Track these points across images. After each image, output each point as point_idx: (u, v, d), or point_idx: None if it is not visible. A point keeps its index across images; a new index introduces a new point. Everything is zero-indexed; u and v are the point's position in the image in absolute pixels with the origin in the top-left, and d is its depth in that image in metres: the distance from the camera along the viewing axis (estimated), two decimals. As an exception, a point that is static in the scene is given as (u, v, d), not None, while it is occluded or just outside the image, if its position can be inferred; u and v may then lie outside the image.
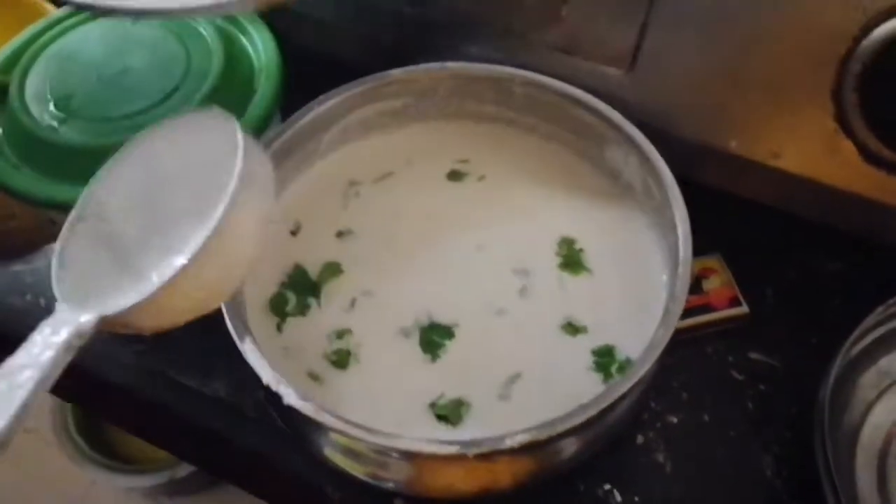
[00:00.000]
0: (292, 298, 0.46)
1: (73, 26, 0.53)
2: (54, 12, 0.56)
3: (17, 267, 0.56)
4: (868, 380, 0.46)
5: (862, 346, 0.45)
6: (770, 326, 0.49)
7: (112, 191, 0.41)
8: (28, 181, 0.47)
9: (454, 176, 0.51)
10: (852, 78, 0.41)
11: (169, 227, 0.38)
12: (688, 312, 0.48)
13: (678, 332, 0.39)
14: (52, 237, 0.54)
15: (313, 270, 0.47)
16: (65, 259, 0.39)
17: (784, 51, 0.43)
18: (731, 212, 0.50)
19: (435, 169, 0.51)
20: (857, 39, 0.41)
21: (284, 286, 0.47)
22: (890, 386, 0.46)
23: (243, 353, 0.39)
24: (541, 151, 0.51)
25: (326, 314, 0.45)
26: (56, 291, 0.38)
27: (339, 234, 0.48)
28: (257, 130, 0.48)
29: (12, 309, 0.53)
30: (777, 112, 0.44)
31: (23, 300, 0.54)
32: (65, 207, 0.47)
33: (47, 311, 0.51)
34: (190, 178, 0.39)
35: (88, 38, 0.53)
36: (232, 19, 0.54)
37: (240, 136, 0.37)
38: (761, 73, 0.44)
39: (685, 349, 0.49)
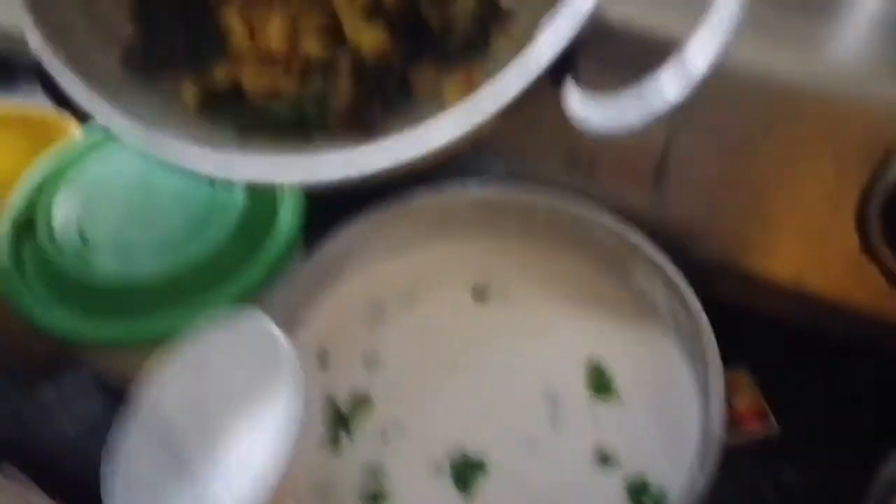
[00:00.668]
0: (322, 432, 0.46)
1: (98, 154, 0.54)
2: (76, 134, 0.57)
3: (44, 395, 0.56)
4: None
5: (898, 467, 0.45)
6: (802, 443, 0.49)
7: (163, 392, 0.42)
8: (57, 317, 0.48)
9: (479, 296, 0.51)
10: (876, 205, 0.42)
11: (222, 433, 0.39)
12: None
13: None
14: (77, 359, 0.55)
15: (343, 402, 0.47)
16: (118, 460, 0.40)
17: (807, 177, 0.43)
18: (757, 324, 0.50)
19: (460, 289, 0.51)
20: (880, 169, 0.41)
21: None
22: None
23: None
24: (566, 270, 0.51)
25: (358, 449, 0.45)
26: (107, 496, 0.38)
27: (367, 363, 0.49)
28: (282, 258, 0.49)
29: (36, 435, 0.53)
30: (800, 235, 0.45)
31: (50, 429, 0.54)
32: (92, 342, 0.48)
33: (70, 437, 0.52)
34: (239, 384, 0.39)
35: (113, 168, 0.53)
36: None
37: (293, 369, 0.38)
38: (784, 198, 0.44)
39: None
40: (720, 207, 0.47)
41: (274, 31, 0.38)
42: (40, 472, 0.52)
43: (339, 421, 0.46)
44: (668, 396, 0.45)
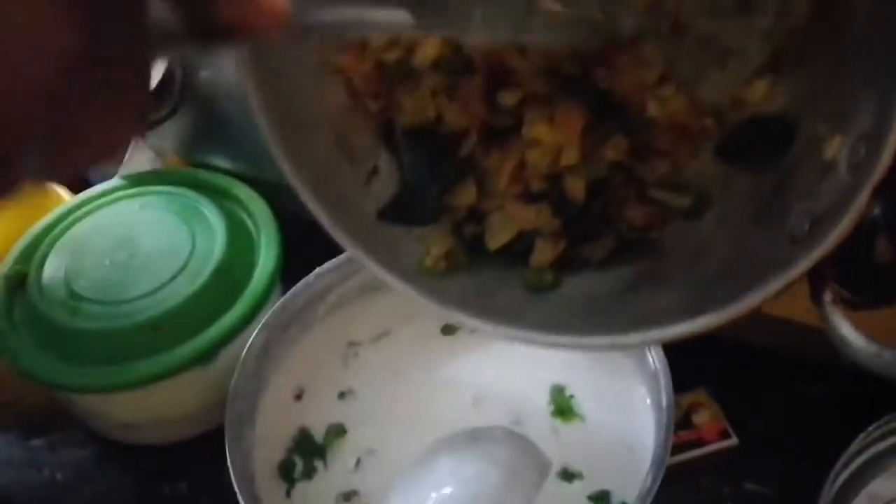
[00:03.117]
0: (299, 463, 0.48)
1: (85, 215, 0.58)
2: (69, 200, 0.61)
3: (35, 442, 0.58)
4: (859, 505, 0.47)
5: (849, 473, 0.47)
6: (761, 456, 0.51)
7: None
8: (45, 365, 0.50)
9: (448, 330, 0.54)
10: (806, 225, 0.45)
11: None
12: (679, 448, 0.50)
13: (672, 468, 0.41)
14: (67, 413, 0.57)
15: (318, 433, 0.49)
16: None
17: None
18: (715, 345, 0.52)
19: (430, 325, 0.54)
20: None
21: (291, 451, 0.49)
22: (882, 509, 0.48)
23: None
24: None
25: (333, 476, 0.47)
26: None
27: (342, 395, 0.51)
28: (258, 304, 0.52)
29: (30, 484, 0.55)
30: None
31: (40, 475, 0.55)
32: (79, 389, 0.51)
33: (62, 486, 0.54)
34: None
35: (99, 225, 0.57)
36: (230, 194, 0.58)
37: None
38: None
39: (680, 483, 0.50)
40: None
41: (535, 170, 0.37)
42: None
43: (315, 450, 0.48)
44: (627, 414, 0.48)
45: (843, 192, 0.30)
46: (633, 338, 0.32)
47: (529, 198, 0.38)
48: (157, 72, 0.56)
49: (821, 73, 0.33)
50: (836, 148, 0.31)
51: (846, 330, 0.32)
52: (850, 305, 0.46)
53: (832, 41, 0.33)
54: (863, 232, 0.43)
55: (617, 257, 0.38)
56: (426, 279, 0.38)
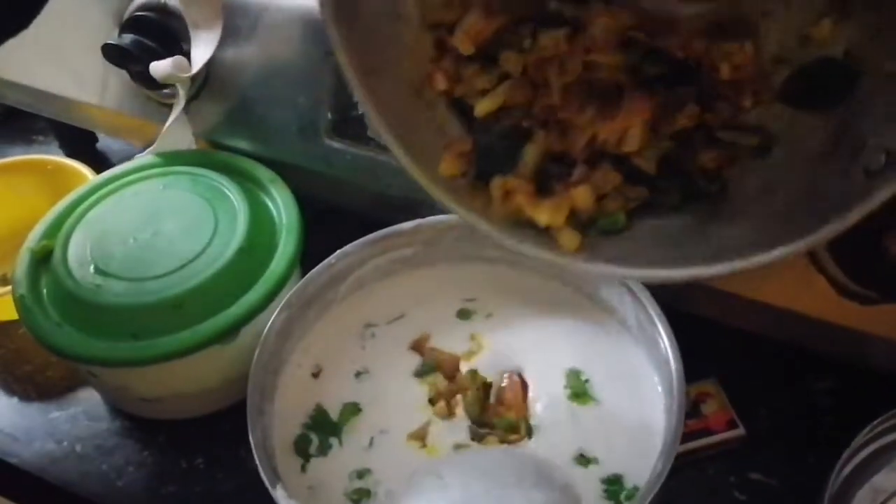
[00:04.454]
0: (314, 439, 0.49)
1: (110, 193, 0.59)
2: (93, 179, 0.62)
3: (54, 413, 0.59)
4: (863, 497, 0.48)
5: (854, 465, 0.48)
6: (767, 447, 0.52)
7: None
8: (69, 339, 0.51)
9: (463, 314, 0.55)
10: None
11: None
12: (688, 436, 0.51)
13: (680, 456, 0.42)
14: (88, 387, 0.58)
15: (334, 411, 0.50)
16: None
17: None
18: (724, 336, 0.53)
19: (445, 308, 0.55)
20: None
21: (307, 427, 0.50)
22: (885, 502, 0.49)
23: (275, 498, 0.42)
24: (543, 289, 0.55)
25: (347, 453, 0.49)
26: None
27: (357, 375, 0.52)
28: (279, 284, 0.53)
29: (49, 455, 0.56)
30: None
31: (59, 447, 0.56)
32: (102, 363, 0.52)
33: (81, 458, 0.55)
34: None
35: (124, 204, 0.58)
36: (254, 178, 0.60)
37: None
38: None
39: (688, 471, 0.51)
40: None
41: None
42: (45, 490, 0.55)
43: (330, 427, 0.49)
44: (640, 399, 0.49)
45: None
46: (717, 268, 0.33)
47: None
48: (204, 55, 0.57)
49: (889, 14, 0.34)
50: None
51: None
52: (863, 300, 0.47)
53: None
54: (873, 228, 0.44)
55: (689, 199, 0.39)
56: (509, 225, 0.39)
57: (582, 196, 0.38)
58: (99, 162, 0.76)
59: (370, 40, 0.38)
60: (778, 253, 0.32)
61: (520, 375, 0.51)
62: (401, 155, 0.37)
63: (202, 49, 0.56)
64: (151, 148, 0.62)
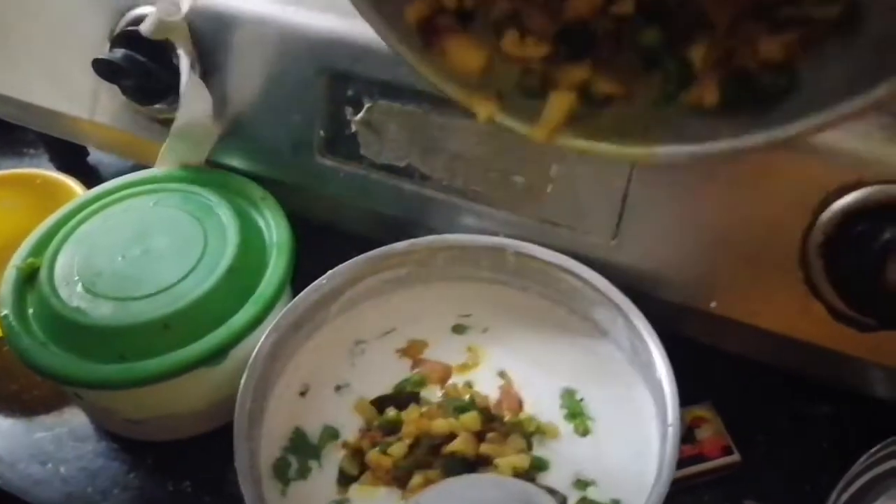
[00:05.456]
0: (294, 462, 0.48)
1: (99, 209, 0.58)
2: (82, 195, 0.61)
3: (39, 434, 0.58)
4: (859, 527, 0.48)
5: (851, 493, 0.47)
6: (763, 473, 0.51)
7: None
8: (54, 360, 0.50)
9: (458, 329, 0.54)
10: (816, 246, 0.45)
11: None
12: (683, 462, 0.50)
13: (675, 482, 0.42)
14: (74, 407, 0.57)
15: (314, 433, 0.49)
16: None
17: (755, 221, 0.47)
18: (720, 360, 0.53)
19: (439, 324, 0.55)
20: (818, 212, 0.45)
21: (286, 450, 0.49)
22: (881, 531, 0.48)
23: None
24: (537, 308, 0.54)
25: (327, 477, 0.48)
26: None
27: (338, 389, 0.51)
28: (268, 306, 0.52)
29: (33, 477, 0.55)
30: (752, 276, 0.48)
31: (43, 469, 0.55)
32: (87, 385, 0.51)
33: (66, 480, 0.54)
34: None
35: (114, 221, 0.57)
36: (245, 196, 0.59)
37: None
38: (736, 242, 0.48)
39: (683, 498, 0.50)
40: (677, 255, 0.50)
41: None
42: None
43: (310, 450, 0.48)
44: (635, 422, 0.48)
45: None
46: (789, 130, 0.29)
47: None
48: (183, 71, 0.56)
49: None
50: None
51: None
52: (861, 327, 0.46)
53: None
54: (872, 255, 0.43)
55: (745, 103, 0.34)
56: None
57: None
58: (90, 175, 0.76)
59: None
60: (879, 92, 0.28)
61: (515, 391, 0.50)
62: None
63: None
64: (174, 126, 0.59)
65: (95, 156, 0.78)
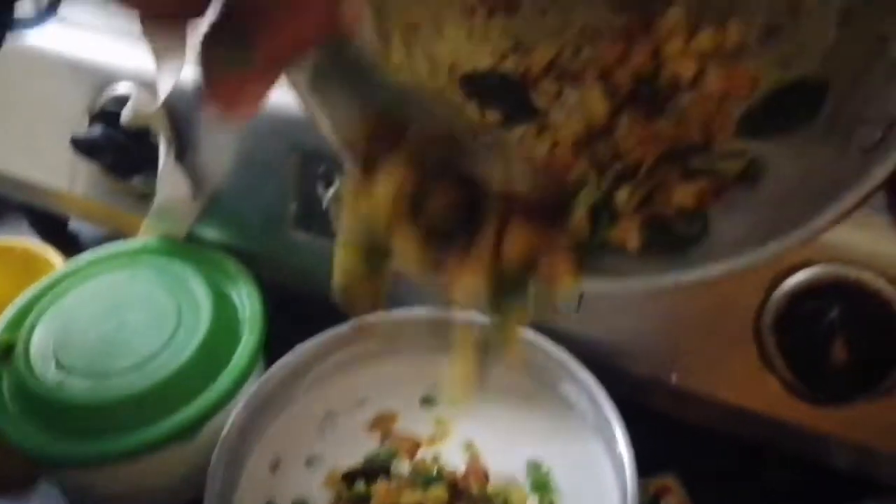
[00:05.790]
0: None
1: (75, 284, 0.59)
2: (59, 268, 0.62)
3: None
4: None
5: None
6: (726, 542, 0.52)
7: None
8: (28, 437, 0.51)
9: (427, 400, 0.55)
10: (769, 323, 0.47)
11: None
12: (648, 534, 0.51)
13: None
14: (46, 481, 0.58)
15: None
16: None
17: (712, 298, 0.49)
18: (684, 431, 0.54)
19: (409, 395, 0.56)
20: (770, 290, 0.47)
21: None
22: None
23: None
24: (505, 381, 0.55)
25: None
26: None
27: (309, 463, 0.52)
28: (240, 380, 0.53)
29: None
30: (710, 350, 0.50)
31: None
32: (63, 461, 0.51)
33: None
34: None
35: (88, 296, 0.58)
36: (219, 270, 0.60)
37: None
38: (694, 317, 0.50)
39: (649, 569, 0.51)
40: (637, 329, 0.52)
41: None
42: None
43: None
44: (598, 494, 0.49)
45: None
46: (698, 272, 0.31)
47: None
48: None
49: None
50: None
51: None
52: (810, 400, 0.48)
53: None
54: (820, 333, 0.45)
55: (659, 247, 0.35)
56: None
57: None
58: (70, 243, 0.77)
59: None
60: (772, 248, 0.30)
61: (482, 464, 0.51)
62: None
63: (167, 78, 0.55)
64: (153, 206, 0.61)
65: (76, 223, 0.80)
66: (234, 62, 0.23)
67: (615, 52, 0.37)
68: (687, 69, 0.36)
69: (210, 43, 0.23)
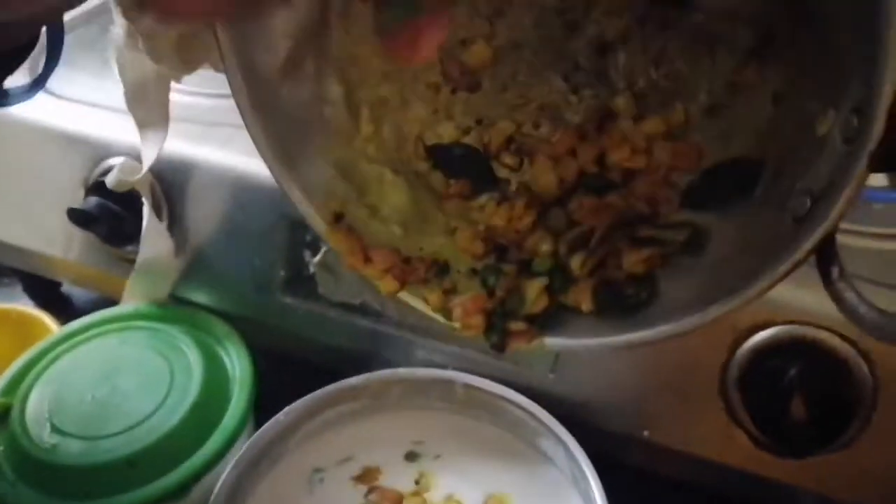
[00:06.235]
0: None
1: (71, 348, 0.61)
2: (54, 333, 0.64)
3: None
4: None
5: None
6: None
7: None
8: (26, 499, 0.52)
9: (411, 456, 0.57)
10: (733, 380, 0.49)
11: None
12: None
13: None
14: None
15: None
16: None
17: (679, 356, 0.51)
18: (659, 485, 0.56)
19: (393, 451, 0.57)
20: (734, 348, 0.49)
21: None
22: None
23: None
24: (486, 436, 0.57)
25: None
26: None
27: None
28: (231, 440, 0.55)
29: None
30: (680, 406, 0.52)
31: None
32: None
33: None
34: None
35: (83, 360, 0.60)
36: (209, 332, 0.62)
37: None
38: (663, 374, 0.52)
39: None
40: (610, 387, 0.54)
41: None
42: None
43: None
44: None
45: (840, 165, 0.30)
46: (641, 335, 0.34)
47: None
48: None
49: (807, 51, 0.34)
50: (829, 122, 0.31)
51: (854, 301, 0.30)
52: (776, 454, 0.50)
53: (815, 19, 0.34)
54: (781, 390, 0.48)
55: (613, 311, 0.38)
56: None
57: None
58: (63, 305, 0.79)
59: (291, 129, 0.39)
60: (712, 313, 0.32)
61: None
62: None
63: (150, 148, 0.57)
64: (136, 264, 0.63)
65: (69, 287, 0.82)
66: (404, 14, 0.28)
67: (565, 146, 0.40)
68: (635, 163, 0.39)
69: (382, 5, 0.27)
